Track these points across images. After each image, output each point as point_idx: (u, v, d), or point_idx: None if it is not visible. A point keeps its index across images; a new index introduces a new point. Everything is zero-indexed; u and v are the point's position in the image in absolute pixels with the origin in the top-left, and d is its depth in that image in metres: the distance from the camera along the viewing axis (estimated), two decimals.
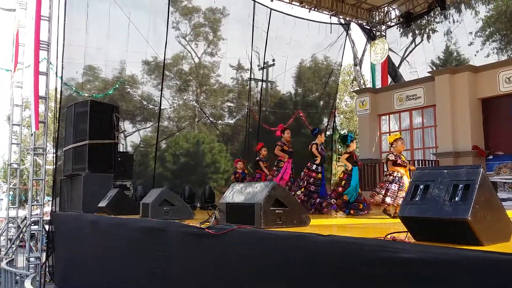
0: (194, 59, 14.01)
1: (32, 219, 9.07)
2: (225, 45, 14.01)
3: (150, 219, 5.45)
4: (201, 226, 4.31)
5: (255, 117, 13.70)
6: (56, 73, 10.04)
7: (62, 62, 10.05)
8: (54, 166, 10.31)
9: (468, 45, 17.11)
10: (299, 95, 15.40)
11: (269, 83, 14.84)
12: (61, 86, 10.33)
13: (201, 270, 4.38)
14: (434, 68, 15.57)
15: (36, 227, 9.31)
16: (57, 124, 9.81)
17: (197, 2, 13.46)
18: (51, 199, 10.90)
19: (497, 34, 17.74)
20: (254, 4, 13.01)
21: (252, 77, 13.94)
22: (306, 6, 13.48)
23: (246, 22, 13.21)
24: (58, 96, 10.18)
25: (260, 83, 14.30)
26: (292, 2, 13.30)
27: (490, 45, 17.66)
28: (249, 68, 13.79)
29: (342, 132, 25.44)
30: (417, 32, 17.41)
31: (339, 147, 23.71)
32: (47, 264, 8.95)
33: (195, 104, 13.79)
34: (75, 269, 7.68)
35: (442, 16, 16.84)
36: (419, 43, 17.25)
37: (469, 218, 2.49)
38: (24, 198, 24.18)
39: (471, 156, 11.07)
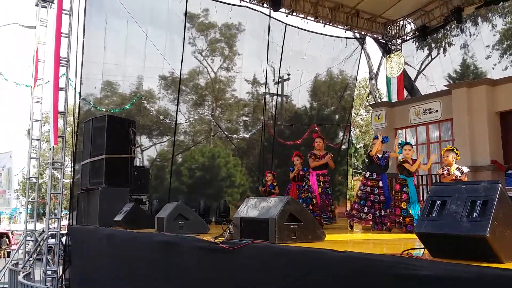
0: (210, 74, 14.13)
1: (49, 233, 9.17)
2: (240, 60, 14.13)
3: (165, 233, 5.47)
4: (216, 241, 4.31)
5: (270, 131, 13.72)
6: (75, 88, 10.23)
7: (81, 77, 10.25)
8: (71, 180, 10.44)
9: (486, 58, 16.94)
10: (314, 109, 15.39)
11: (284, 97, 14.88)
12: (80, 102, 10.52)
13: (215, 285, 4.36)
14: (451, 82, 15.44)
15: (54, 240, 9.40)
16: (75, 138, 9.96)
17: (213, 18, 13.63)
18: (68, 212, 11.01)
19: None
20: (269, 20, 13.11)
21: (267, 91, 14.00)
22: (321, 21, 13.54)
23: (261, 37, 13.32)
24: (77, 111, 10.36)
25: (275, 97, 14.34)
26: (307, 17, 13.38)
27: (508, 58, 17.46)
28: (265, 83, 13.86)
29: (358, 146, 25.29)
30: (433, 45, 17.31)
31: (355, 161, 23.54)
32: (63, 277, 9.00)
33: (211, 119, 13.87)
34: (91, 283, 7.71)
35: (459, 29, 16.73)
36: (435, 56, 17.15)
37: (488, 235, 2.44)
38: (42, 211, 24.49)
39: (489, 171, 10.88)
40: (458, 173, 5.95)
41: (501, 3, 13.03)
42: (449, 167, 6.07)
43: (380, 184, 6.76)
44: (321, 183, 7.50)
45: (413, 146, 7.05)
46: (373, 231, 6.52)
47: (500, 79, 11.77)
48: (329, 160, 7.63)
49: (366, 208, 6.68)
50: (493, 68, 16.40)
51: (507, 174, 10.96)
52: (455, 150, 6.16)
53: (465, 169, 6.08)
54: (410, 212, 6.07)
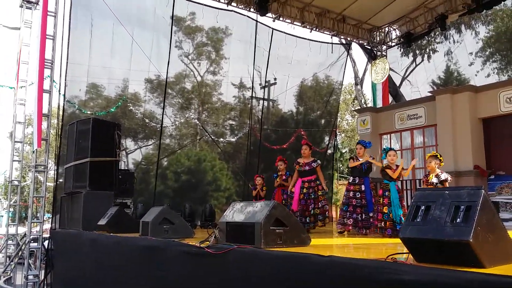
0: (196, 78, 14.10)
1: (31, 237, 9.02)
2: (227, 64, 14.12)
3: (150, 238, 5.42)
4: (201, 245, 4.29)
5: (257, 135, 13.73)
6: (59, 91, 10.12)
7: (66, 80, 10.13)
8: (55, 183, 10.29)
9: (469, 65, 17.21)
10: (301, 114, 15.45)
11: (270, 102, 14.91)
12: (64, 104, 10.40)
13: None
14: (435, 88, 15.64)
15: (36, 244, 9.26)
16: (59, 141, 9.84)
17: (200, 22, 13.61)
18: (51, 216, 10.86)
19: (497, 54, 17.86)
20: (256, 24, 13.14)
21: (253, 95, 14.01)
22: (308, 26, 13.61)
23: (248, 41, 13.34)
24: (61, 113, 10.23)
25: (261, 101, 14.37)
26: (294, 23, 13.44)
27: (490, 65, 17.77)
28: (251, 87, 13.87)
29: (343, 151, 25.45)
30: (417, 52, 17.53)
31: (341, 165, 23.68)
32: (45, 282, 8.86)
33: (197, 122, 13.82)
34: (73, 287, 7.60)
35: (443, 37, 16.97)
36: (420, 63, 17.37)
37: (471, 240, 2.48)
38: (24, 215, 24.10)
39: (472, 176, 11.04)
40: (435, 180, 6.08)
41: (484, 11, 13.26)
42: (429, 174, 6.20)
43: (363, 188, 6.86)
44: (304, 189, 7.50)
45: (397, 152, 7.15)
46: (358, 236, 6.56)
47: (483, 86, 11.97)
48: (319, 170, 7.70)
49: (348, 213, 6.79)
50: (476, 75, 16.66)
51: (489, 180, 11.13)
52: (438, 156, 6.25)
53: (444, 176, 6.15)
54: (391, 216, 6.13)
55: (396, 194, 6.28)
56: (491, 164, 11.35)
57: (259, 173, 10.26)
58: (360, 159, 6.99)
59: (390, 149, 6.67)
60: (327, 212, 7.70)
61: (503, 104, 11.03)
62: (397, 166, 6.43)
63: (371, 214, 6.58)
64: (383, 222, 6.17)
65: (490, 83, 12.68)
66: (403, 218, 5.95)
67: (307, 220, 7.42)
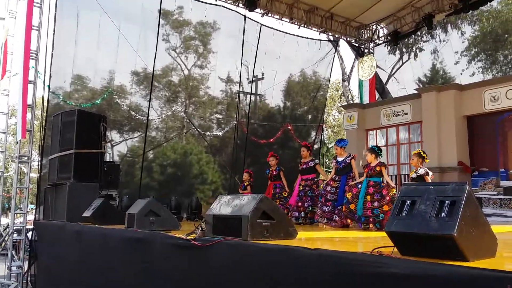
0: (183, 71, 14.03)
1: (15, 228, 8.92)
2: (215, 58, 14.07)
3: (136, 230, 5.40)
4: (187, 237, 4.29)
5: (244, 130, 13.73)
6: (44, 81, 9.98)
7: (50, 71, 10.00)
8: (38, 175, 10.17)
9: (454, 64, 17.44)
10: (288, 109, 15.49)
11: (258, 96, 14.91)
12: (49, 95, 10.27)
13: (186, 281, 4.34)
14: (421, 86, 15.81)
15: (19, 235, 9.16)
16: (43, 132, 9.72)
17: (188, 16, 13.52)
18: (34, 207, 10.73)
19: (482, 53, 18.13)
20: (245, 19, 13.11)
21: (241, 90, 14.00)
22: (296, 23, 13.62)
23: (236, 36, 13.30)
24: (45, 104, 10.10)
25: (249, 96, 14.36)
26: (282, 19, 13.43)
27: (475, 64, 18.04)
28: (239, 81, 13.85)
29: (330, 146, 25.59)
30: (404, 50, 17.70)
31: (327, 160, 23.81)
32: (29, 273, 8.78)
33: (184, 115, 13.77)
34: (57, 279, 7.55)
35: (429, 36, 17.16)
36: (406, 61, 17.54)
37: (455, 234, 2.52)
38: (7, 206, 23.76)
39: (456, 172, 11.22)
40: (414, 175, 6.47)
41: (470, 11, 13.41)
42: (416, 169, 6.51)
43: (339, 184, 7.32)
44: (301, 186, 8.01)
45: (383, 147, 7.43)
46: (344, 229, 6.69)
47: (468, 84, 12.15)
48: (318, 168, 8.29)
49: (319, 203, 7.34)
50: (461, 74, 16.89)
51: (473, 176, 11.32)
52: (421, 153, 6.45)
53: (421, 171, 6.40)
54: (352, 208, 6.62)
55: (363, 188, 6.62)
56: (475, 161, 11.55)
57: (245, 167, 10.31)
58: (339, 159, 7.40)
59: (369, 148, 7.12)
60: None
61: (487, 103, 11.21)
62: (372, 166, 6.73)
63: (339, 207, 7.00)
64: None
65: (475, 81, 12.87)
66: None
67: (301, 215, 7.85)
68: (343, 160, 7.34)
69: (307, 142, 9.30)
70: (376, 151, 6.86)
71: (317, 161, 8.34)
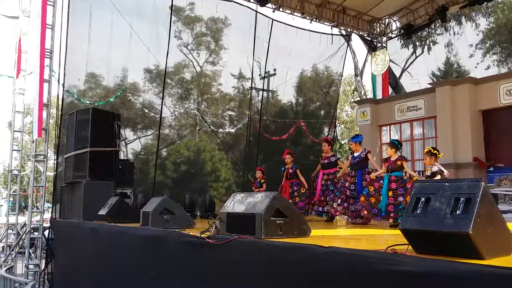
0: (195, 68, 14.07)
1: (32, 226, 9.06)
2: (226, 55, 14.08)
3: (151, 228, 5.45)
4: (202, 235, 4.31)
5: (256, 126, 13.73)
6: (58, 80, 10.09)
7: (65, 69, 10.11)
8: (54, 173, 10.30)
9: (469, 57, 17.19)
10: (300, 105, 15.44)
11: (270, 93, 14.89)
12: (63, 94, 10.38)
13: (201, 279, 4.37)
14: (435, 80, 15.63)
15: (36, 233, 9.30)
16: (58, 131, 9.84)
17: (199, 12, 13.55)
18: (51, 206, 10.89)
19: (498, 46, 17.83)
20: (256, 15, 13.09)
21: (253, 86, 13.99)
22: (308, 17, 13.57)
23: (247, 32, 13.29)
24: (60, 103, 10.22)
25: (261, 92, 14.34)
26: (294, 13, 13.39)
27: (490, 57, 17.75)
28: (250, 77, 13.85)
29: (343, 142, 25.49)
30: (417, 43, 17.48)
31: (340, 156, 23.70)
32: (46, 271, 8.92)
33: (196, 113, 13.81)
34: (74, 277, 7.66)
35: (443, 28, 16.92)
36: (420, 54, 17.33)
37: (471, 232, 2.50)
38: (24, 204, 24.15)
39: (471, 168, 11.09)
40: (428, 173, 6.38)
41: (485, 3, 13.21)
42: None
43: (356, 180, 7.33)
44: (323, 180, 8.08)
45: (401, 142, 7.39)
46: (357, 226, 6.65)
47: (483, 78, 11.98)
48: (340, 163, 8.33)
49: (339, 200, 7.27)
50: (476, 67, 16.64)
51: (488, 172, 11.18)
52: (432, 150, 6.38)
53: (435, 168, 6.30)
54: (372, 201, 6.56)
55: (385, 184, 6.53)
56: (490, 156, 11.40)
57: (258, 164, 10.32)
58: (355, 154, 7.44)
59: (389, 142, 7.07)
60: None
61: (503, 96, 11.04)
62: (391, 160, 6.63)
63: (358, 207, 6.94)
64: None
65: (490, 75, 12.68)
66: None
67: (325, 210, 7.96)
68: (358, 155, 7.39)
69: (327, 137, 9.26)
70: (396, 145, 6.79)
71: (339, 156, 8.53)
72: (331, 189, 7.90)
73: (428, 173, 6.44)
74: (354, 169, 7.35)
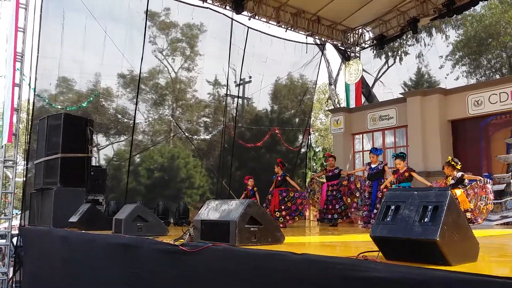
0: (170, 74, 14.00)
1: None
2: (202, 61, 14.06)
3: (123, 235, 5.39)
4: (175, 243, 4.30)
5: (231, 133, 13.74)
6: (29, 84, 9.88)
7: (36, 73, 9.91)
8: (24, 179, 10.06)
9: (439, 68, 17.70)
10: (275, 112, 15.54)
11: (245, 100, 14.94)
12: (34, 98, 10.17)
13: (174, 287, 4.35)
14: (407, 89, 16.01)
15: (4, 241, 9.04)
16: (28, 136, 9.62)
17: (174, 18, 13.50)
18: (20, 212, 10.61)
19: (467, 58, 18.43)
20: (232, 22, 13.14)
21: (228, 93, 14.01)
22: (283, 26, 13.70)
23: (223, 39, 13.31)
24: (31, 107, 10.01)
25: (236, 99, 14.38)
26: (269, 22, 13.50)
27: (459, 68, 18.32)
28: (226, 84, 13.87)
29: (317, 150, 25.72)
30: (390, 54, 17.90)
31: (314, 164, 23.90)
32: (14, 279, 8.69)
33: (171, 119, 13.72)
34: (43, 285, 7.48)
35: (414, 40, 17.38)
36: (392, 64, 17.74)
37: (438, 239, 2.58)
38: None
39: (441, 176, 11.34)
40: (452, 182, 6.95)
41: (455, 15, 13.62)
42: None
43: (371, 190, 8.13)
44: (329, 191, 9.20)
45: (404, 152, 8.00)
46: (334, 234, 6.79)
47: (452, 89, 12.32)
48: (344, 173, 9.49)
49: (365, 210, 8.10)
50: (445, 78, 17.14)
51: None
52: (451, 161, 7.09)
53: (459, 174, 7.00)
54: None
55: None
56: None
57: (232, 171, 10.41)
58: (373, 165, 8.23)
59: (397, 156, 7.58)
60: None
61: (471, 107, 11.38)
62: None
63: (374, 211, 7.51)
64: None
65: (459, 86, 13.06)
66: None
67: (334, 217, 9.00)
68: (376, 166, 8.17)
69: (330, 153, 10.41)
70: (404, 157, 7.24)
71: (340, 168, 9.61)
72: (339, 197, 9.06)
73: (451, 181, 6.92)
74: (371, 179, 8.14)
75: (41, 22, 9.97)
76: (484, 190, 6.75)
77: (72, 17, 11.26)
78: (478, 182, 6.83)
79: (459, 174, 6.94)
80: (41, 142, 8.80)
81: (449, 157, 7.48)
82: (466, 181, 6.89)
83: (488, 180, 6.98)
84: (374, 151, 8.40)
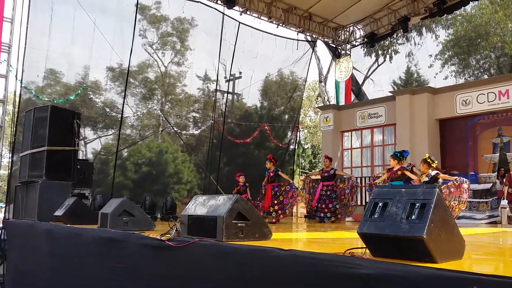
0: (160, 68, 13.90)
1: None
2: (192, 56, 13.99)
3: (109, 230, 5.33)
4: (162, 238, 4.26)
5: (220, 129, 13.70)
6: (16, 76, 9.74)
7: (23, 65, 9.77)
8: (9, 172, 9.93)
9: (428, 67, 17.82)
10: (265, 109, 15.52)
11: (235, 95, 14.89)
12: (21, 90, 10.03)
13: (160, 282, 4.31)
14: (396, 88, 16.08)
15: None
16: (14, 128, 9.49)
17: (165, 11, 13.41)
18: (4, 205, 10.48)
19: (456, 57, 18.56)
20: (223, 17, 13.07)
21: (218, 88, 13.95)
22: (274, 22, 13.67)
23: (214, 34, 13.25)
24: (17, 99, 9.87)
25: (226, 94, 14.32)
26: (261, 17, 13.46)
27: (449, 68, 18.45)
28: (216, 80, 13.80)
29: (306, 147, 25.76)
30: (380, 52, 17.96)
31: (303, 161, 23.94)
32: None
33: (160, 113, 13.63)
34: (27, 279, 7.39)
35: (404, 38, 17.46)
36: (382, 63, 17.82)
37: (425, 236, 2.58)
38: None
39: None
40: (425, 179, 6.93)
41: (445, 15, 13.69)
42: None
43: None
44: (323, 191, 9.41)
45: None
46: (320, 231, 6.77)
47: (441, 88, 12.40)
48: (339, 173, 9.98)
49: None
50: (434, 77, 17.26)
51: None
52: (427, 159, 7.01)
53: (433, 173, 6.96)
54: None
55: None
56: (446, 164, 11.80)
57: (221, 167, 10.40)
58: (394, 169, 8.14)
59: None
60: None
61: (459, 106, 11.47)
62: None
63: None
64: None
65: (448, 85, 13.15)
66: None
67: (327, 215, 9.18)
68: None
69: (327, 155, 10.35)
70: (398, 156, 7.18)
71: (335, 168, 9.96)
72: (333, 197, 9.29)
73: (425, 178, 6.90)
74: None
75: (29, 13, 9.83)
76: (459, 189, 6.76)
77: (61, 8, 11.13)
78: (454, 182, 6.81)
79: (434, 172, 6.95)
80: (27, 134, 8.67)
81: (426, 154, 7.47)
82: (440, 180, 6.86)
83: (464, 180, 6.96)
84: (405, 153, 8.10)
